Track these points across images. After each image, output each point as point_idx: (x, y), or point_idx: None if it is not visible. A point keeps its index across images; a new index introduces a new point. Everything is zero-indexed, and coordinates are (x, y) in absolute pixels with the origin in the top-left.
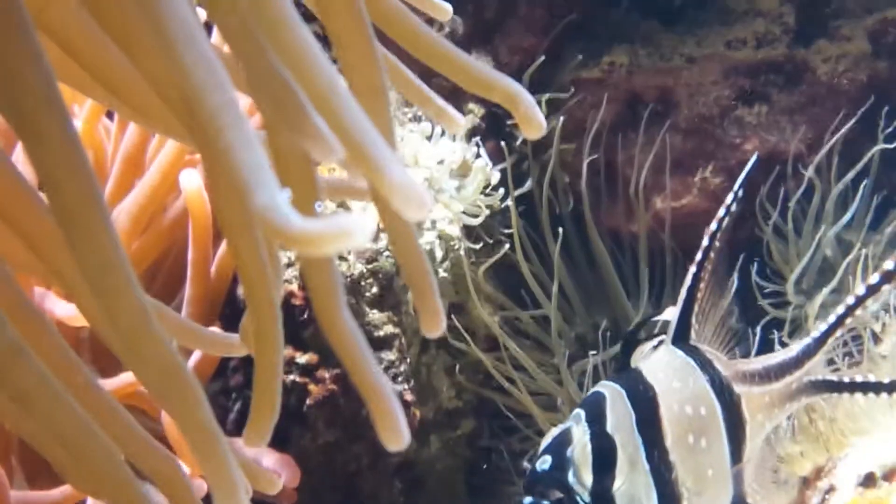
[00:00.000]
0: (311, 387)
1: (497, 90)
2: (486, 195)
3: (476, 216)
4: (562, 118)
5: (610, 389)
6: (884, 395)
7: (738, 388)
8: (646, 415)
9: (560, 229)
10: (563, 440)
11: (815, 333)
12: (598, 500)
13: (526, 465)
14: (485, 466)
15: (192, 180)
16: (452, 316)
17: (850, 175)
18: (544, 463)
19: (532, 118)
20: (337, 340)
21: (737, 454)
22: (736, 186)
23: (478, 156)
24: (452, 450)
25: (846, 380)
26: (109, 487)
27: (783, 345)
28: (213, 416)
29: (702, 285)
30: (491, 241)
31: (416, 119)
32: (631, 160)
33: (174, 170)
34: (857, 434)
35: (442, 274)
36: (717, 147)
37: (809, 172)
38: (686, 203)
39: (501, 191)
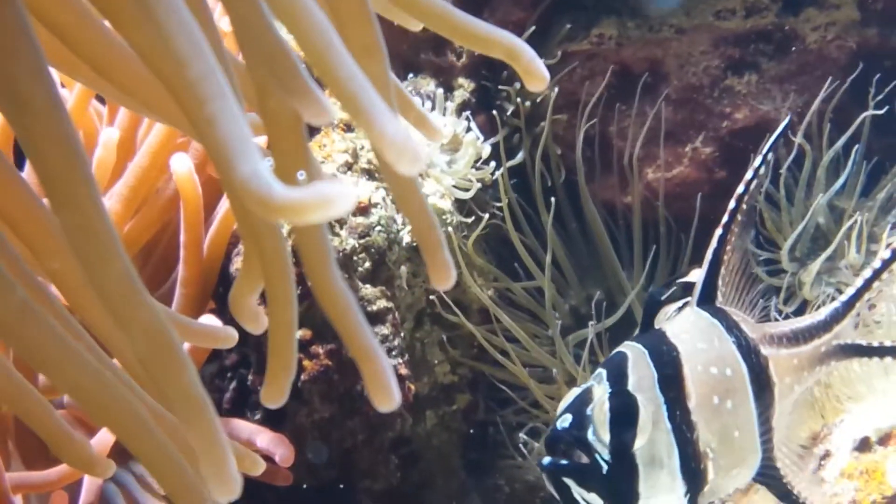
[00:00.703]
0: (306, 362)
1: (497, 45)
2: (477, 169)
3: (467, 190)
4: (555, 89)
5: (632, 349)
6: None
7: (766, 351)
8: (668, 374)
9: (553, 200)
10: (584, 399)
11: (844, 297)
12: (617, 458)
13: (523, 437)
14: (480, 433)
15: (182, 163)
16: (446, 291)
17: (841, 142)
18: (564, 421)
19: (534, 70)
20: (329, 304)
21: (765, 417)
22: (766, 148)
23: (468, 130)
24: (448, 425)
25: (876, 344)
26: (129, 429)
27: (779, 312)
28: (200, 382)
29: (728, 248)
30: (483, 215)
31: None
32: (622, 132)
33: (164, 152)
34: (852, 400)
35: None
36: (708, 117)
37: (799, 139)
38: (677, 173)
39: (493, 164)
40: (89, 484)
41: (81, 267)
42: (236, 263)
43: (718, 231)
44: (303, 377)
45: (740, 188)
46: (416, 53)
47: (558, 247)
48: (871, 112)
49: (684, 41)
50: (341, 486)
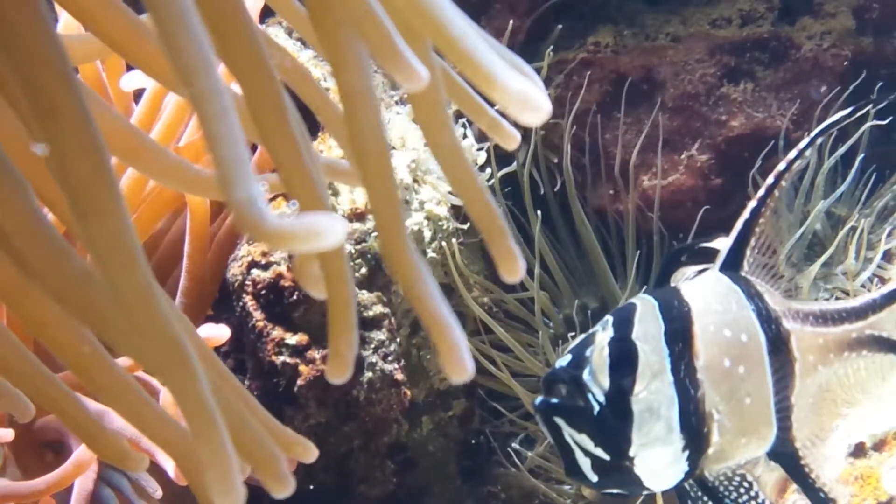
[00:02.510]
0: (302, 367)
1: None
2: None
3: None
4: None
5: (642, 301)
6: None
7: (789, 325)
8: (676, 328)
9: (538, 212)
10: (586, 342)
11: (885, 290)
12: (612, 402)
13: (516, 446)
14: (475, 441)
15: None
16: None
17: (843, 150)
18: (563, 361)
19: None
20: (400, 274)
21: (782, 390)
22: (814, 133)
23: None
24: (444, 431)
25: None
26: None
27: None
28: (211, 395)
29: (761, 221)
30: None
31: (403, 102)
32: (617, 140)
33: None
34: (848, 405)
35: (430, 255)
36: (704, 124)
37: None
38: (673, 181)
39: (488, 170)
40: (80, 489)
41: (103, 275)
42: (233, 269)
43: (752, 203)
44: (299, 382)
45: (781, 165)
46: None
47: (550, 255)
48: (871, 123)
49: (680, 49)
50: (337, 491)
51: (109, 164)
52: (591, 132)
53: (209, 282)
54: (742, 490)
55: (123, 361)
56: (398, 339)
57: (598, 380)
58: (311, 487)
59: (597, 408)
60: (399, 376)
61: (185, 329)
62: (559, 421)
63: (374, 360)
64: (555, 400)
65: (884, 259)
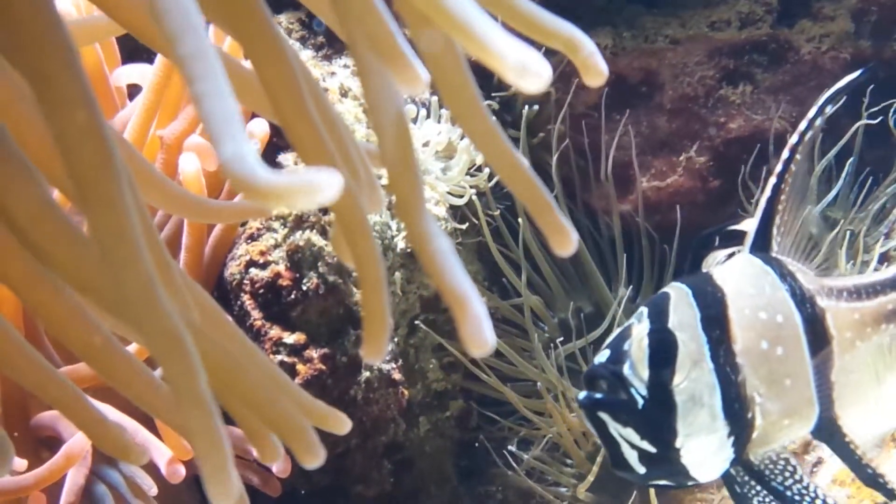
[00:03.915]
0: (300, 366)
1: (556, 36)
2: (471, 175)
3: (461, 196)
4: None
5: (675, 289)
6: None
7: (824, 303)
8: (712, 314)
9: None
10: (623, 336)
11: None
12: (654, 394)
13: (513, 449)
14: (472, 441)
15: (191, 163)
16: (441, 299)
17: (834, 151)
18: (602, 356)
19: (592, 66)
20: (418, 246)
21: (821, 369)
22: (823, 99)
23: (463, 137)
24: (441, 431)
25: None
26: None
27: None
28: (209, 391)
29: (783, 197)
30: (477, 222)
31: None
32: (616, 142)
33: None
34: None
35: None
36: (703, 126)
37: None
38: (671, 182)
39: (486, 171)
40: (71, 484)
41: (105, 265)
42: (231, 268)
43: (772, 180)
44: (296, 381)
45: (793, 139)
46: None
47: (543, 260)
48: (863, 122)
49: (679, 51)
50: (334, 491)
51: (115, 153)
52: (589, 134)
53: (206, 276)
54: (787, 473)
55: (133, 348)
56: (395, 339)
57: (638, 373)
58: (309, 487)
59: (640, 401)
60: (396, 376)
61: (199, 306)
62: (604, 416)
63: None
64: (599, 395)
65: (881, 262)
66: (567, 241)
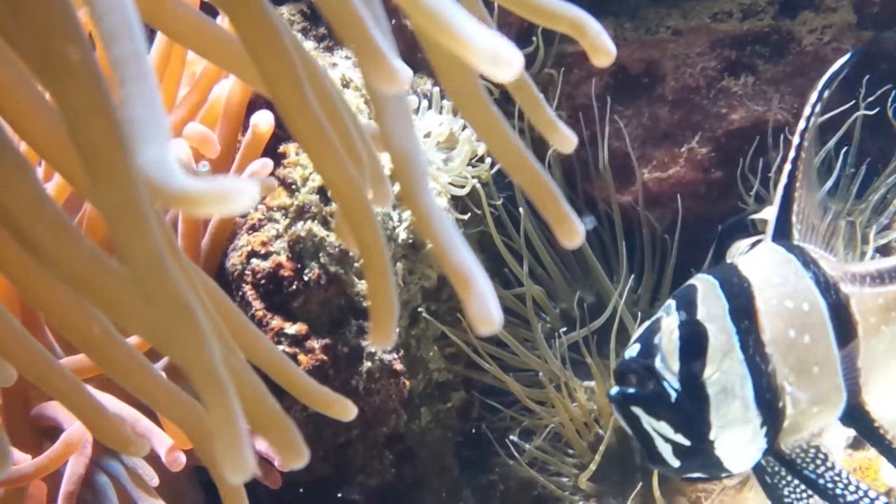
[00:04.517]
0: (301, 357)
1: (562, 19)
2: (473, 166)
3: (463, 187)
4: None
5: (702, 281)
6: None
7: (847, 289)
8: (740, 305)
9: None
10: (653, 329)
11: None
12: (687, 387)
13: (514, 439)
14: (473, 431)
15: (188, 153)
16: (443, 289)
17: (832, 142)
18: (632, 350)
19: (599, 46)
20: (421, 223)
21: (848, 355)
22: (824, 80)
23: (464, 127)
24: (443, 422)
25: None
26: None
27: None
28: (223, 363)
29: (797, 184)
30: (479, 212)
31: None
32: (618, 132)
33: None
34: None
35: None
36: (704, 118)
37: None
38: (673, 174)
39: (488, 161)
40: (71, 474)
41: (113, 240)
42: (232, 259)
43: (787, 167)
44: None
45: (802, 124)
46: (412, 52)
47: (545, 250)
48: (861, 112)
49: (681, 43)
50: (335, 481)
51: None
52: (590, 125)
53: (205, 265)
54: (819, 461)
55: (133, 341)
56: (397, 330)
57: (669, 366)
58: (310, 478)
59: (673, 395)
60: (398, 366)
61: (204, 290)
62: (637, 411)
63: (372, 350)
64: (632, 390)
65: (880, 253)
66: (573, 231)
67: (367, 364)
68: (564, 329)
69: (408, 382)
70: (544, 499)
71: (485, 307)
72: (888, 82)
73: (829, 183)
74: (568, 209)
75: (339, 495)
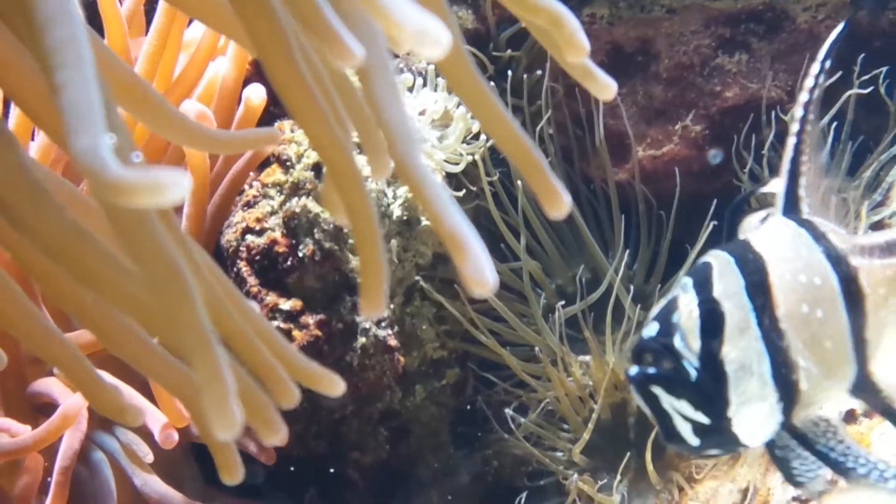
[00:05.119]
0: (296, 332)
1: (541, 11)
2: (468, 143)
3: (457, 164)
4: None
5: (717, 258)
6: None
7: (856, 261)
8: (756, 281)
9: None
10: (670, 307)
11: None
12: (707, 365)
13: (511, 413)
14: (468, 409)
15: None
16: (437, 267)
17: (826, 119)
18: (651, 329)
19: (575, 42)
20: (413, 187)
21: (858, 328)
22: (824, 52)
23: (459, 104)
24: (437, 400)
25: None
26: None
27: None
28: (208, 321)
29: (805, 158)
30: (474, 189)
31: (398, 71)
32: (613, 110)
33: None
34: None
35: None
36: (699, 95)
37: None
38: (667, 151)
39: (483, 138)
40: (66, 448)
41: (99, 203)
42: (227, 235)
43: (791, 139)
44: None
45: (804, 96)
46: None
47: (540, 227)
48: (855, 91)
49: (675, 21)
50: (330, 457)
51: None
52: (586, 103)
53: (204, 244)
54: (829, 435)
55: None
56: (391, 306)
57: (689, 345)
58: (305, 454)
59: (693, 373)
60: (392, 342)
61: (199, 260)
62: (657, 390)
63: (367, 326)
64: (652, 370)
65: (874, 230)
66: (559, 202)
67: (362, 340)
68: (563, 303)
69: (402, 359)
70: (538, 475)
71: (479, 269)
72: (883, 60)
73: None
74: (555, 181)
75: (332, 471)
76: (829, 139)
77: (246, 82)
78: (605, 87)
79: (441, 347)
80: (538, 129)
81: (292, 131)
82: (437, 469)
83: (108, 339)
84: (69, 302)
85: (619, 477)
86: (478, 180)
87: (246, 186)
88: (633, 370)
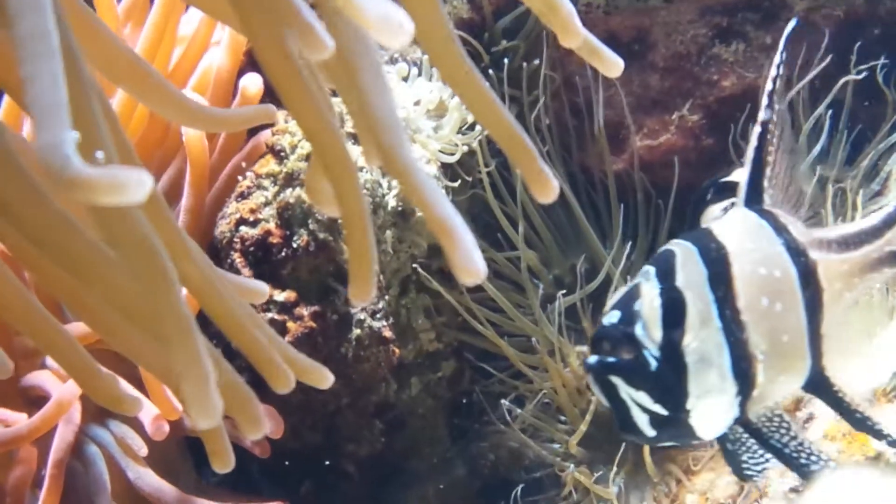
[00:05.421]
0: (290, 324)
1: None
2: (463, 134)
3: (452, 154)
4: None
5: (681, 247)
6: None
7: (815, 255)
8: (717, 272)
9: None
10: (632, 295)
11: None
12: (667, 355)
13: (508, 404)
14: (464, 401)
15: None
16: (433, 258)
17: (822, 107)
18: (612, 317)
19: (570, 27)
20: (399, 175)
21: (814, 323)
22: (784, 39)
23: (454, 95)
24: (433, 392)
25: None
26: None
27: None
28: (187, 306)
29: (771, 148)
30: (469, 179)
31: (393, 61)
32: (609, 100)
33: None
34: (876, 326)
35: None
36: (695, 85)
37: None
38: (664, 141)
39: (478, 129)
40: (60, 441)
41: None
42: (221, 226)
43: (757, 129)
44: (287, 339)
45: (768, 85)
46: None
47: (538, 217)
48: (851, 77)
49: (672, 10)
50: (325, 450)
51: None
52: (582, 93)
53: (202, 237)
54: (783, 429)
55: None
56: (386, 297)
57: (651, 334)
58: (300, 446)
59: (653, 364)
60: (387, 333)
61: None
62: (615, 380)
63: (362, 317)
64: (612, 359)
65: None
66: (548, 187)
67: (357, 331)
68: (565, 292)
69: (397, 350)
70: (535, 467)
71: (469, 257)
72: (881, 48)
73: (816, 150)
74: (544, 166)
75: (327, 463)
76: (826, 128)
77: (240, 73)
78: (612, 64)
79: (437, 339)
80: (533, 117)
81: (286, 122)
82: (433, 462)
83: (99, 327)
84: (61, 290)
85: (616, 469)
86: (473, 170)
87: (240, 177)
88: (592, 359)
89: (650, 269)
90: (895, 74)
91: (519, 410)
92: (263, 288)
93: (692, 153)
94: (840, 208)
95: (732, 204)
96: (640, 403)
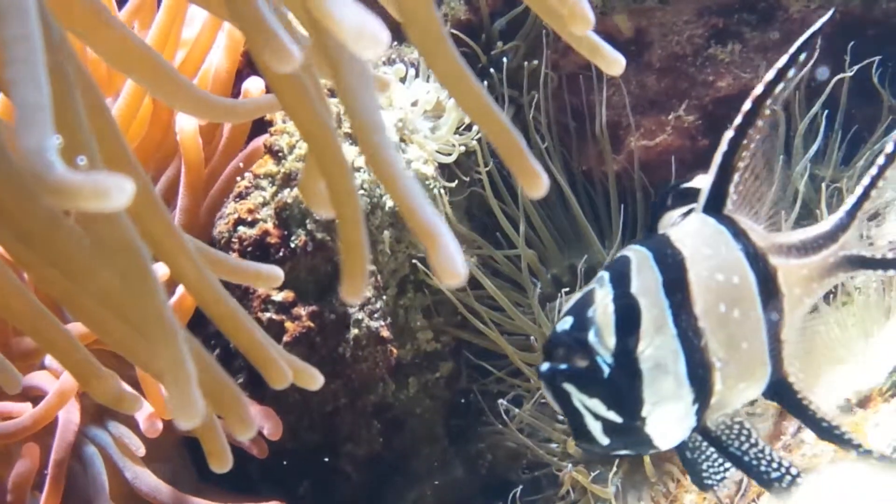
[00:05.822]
0: (288, 324)
1: None
2: (460, 134)
3: (449, 154)
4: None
5: (635, 252)
6: None
7: (775, 261)
8: (673, 278)
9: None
10: (586, 301)
11: (846, 207)
12: (621, 362)
13: (504, 404)
14: (462, 401)
15: (189, 121)
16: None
17: (816, 107)
18: (565, 324)
19: (578, 13)
20: (383, 177)
21: (774, 329)
22: (794, 46)
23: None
24: (431, 392)
25: (879, 256)
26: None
27: None
28: (171, 309)
29: (744, 154)
30: (466, 179)
31: (390, 62)
32: (607, 100)
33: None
34: (832, 363)
35: None
36: (692, 85)
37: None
38: (660, 141)
39: (475, 129)
40: (60, 440)
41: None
42: (219, 227)
43: (729, 134)
44: (285, 339)
45: (758, 89)
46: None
47: (537, 216)
48: (844, 75)
49: (668, 11)
50: (323, 450)
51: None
52: (578, 94)
53: (199, 237)
54: (743, 437)
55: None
56: (384, 297)
57: (604, 341)
58: (298, 446)
59: (606, 370)
60: (385, 333)
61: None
62: (568, 387)
63: (360, 317)
64: (564, 366)
65: (869, 220)
66: (537, 181)
67: (355, 331)
68: (567, 290)
69: (395, 350)
70: (532, 467)
71: (450, 260)
72: (876, 49)
73: (811, 152)
74: (534, 162)
75: (325, 462)
76: (822, 128)
77: (238, 73)
78: (613, 62)
79: (434, 340)
80: (531, 116)
81: (284, 122)
82: (431, 462)
83: (94, 326)
84: (56, 289)
85: (614, 468)
86: (471, 170)
87: (237, 178)
88: (544, 366)
89: (604, 275)
90: (890, 75)
91: (517, 410)
92: (279, 273)
93: (688, 153)
94: (837, 208)
95: (691, 210)
96: (593, 411)
